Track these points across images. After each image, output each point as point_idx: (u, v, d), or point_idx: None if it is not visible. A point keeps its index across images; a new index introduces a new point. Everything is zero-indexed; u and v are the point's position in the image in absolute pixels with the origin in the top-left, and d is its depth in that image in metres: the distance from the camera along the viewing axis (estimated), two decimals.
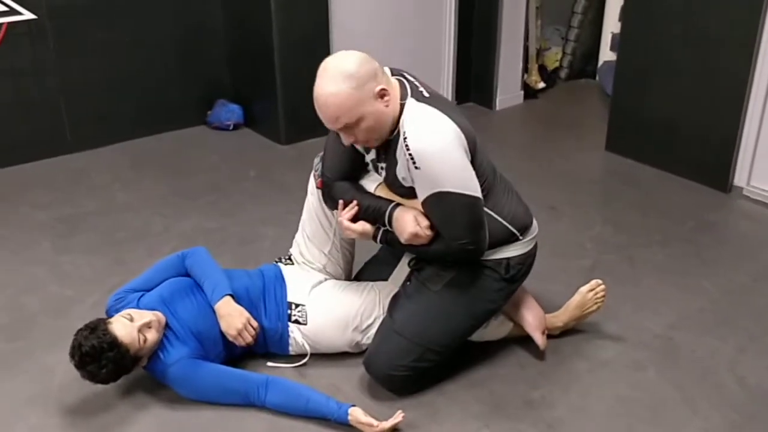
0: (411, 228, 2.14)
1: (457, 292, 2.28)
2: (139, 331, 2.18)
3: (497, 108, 4.82)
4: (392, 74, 2.16)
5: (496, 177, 2.32)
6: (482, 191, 2.15)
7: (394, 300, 2.37)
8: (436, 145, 2.04)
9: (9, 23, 3.71)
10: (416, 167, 2.03)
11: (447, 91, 4.85)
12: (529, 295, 2.52)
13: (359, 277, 2.62)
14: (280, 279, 2.48)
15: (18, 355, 2.50)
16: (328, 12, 4.12)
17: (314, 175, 2.43)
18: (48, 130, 4.02)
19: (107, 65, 4.10)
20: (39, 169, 3.93)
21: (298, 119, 4.17)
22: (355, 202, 2.26)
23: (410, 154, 2.02)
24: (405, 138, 2.04)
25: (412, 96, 2.11)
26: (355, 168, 2.32)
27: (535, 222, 2.39)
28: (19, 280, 2.92)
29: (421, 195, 2.10)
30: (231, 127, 4.46)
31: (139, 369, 2.28)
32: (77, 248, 3.14)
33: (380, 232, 2.26)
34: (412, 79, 2.19)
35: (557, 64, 5.39)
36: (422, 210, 2.15)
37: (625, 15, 4.02)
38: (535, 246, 2.39)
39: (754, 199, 3.56)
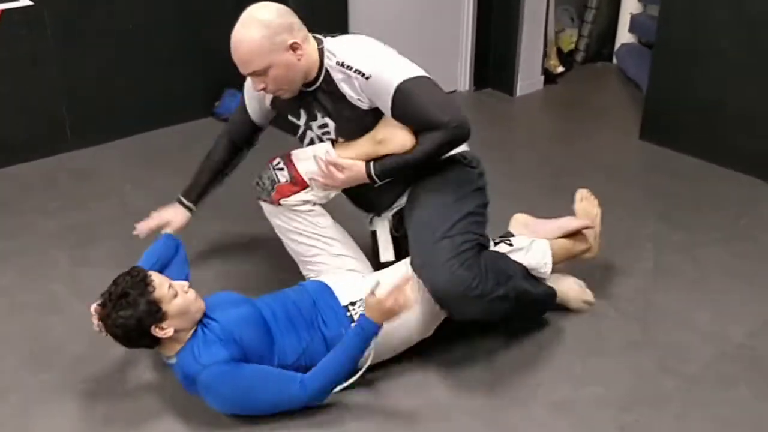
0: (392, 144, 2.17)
1: (446, 188, 2.27)
2: (170, 286, 2.03)
3: (518, 94, 4.60)
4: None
5: None
6: None
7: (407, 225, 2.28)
8: (368, 48, 2.21)
9: (3, 11, 3.39)
10: (366, 77, 2.12)
11: (465, 77, 4.63)
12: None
13: None
14: (325, 288, 2.28)
15: (50, 390, 2.25)
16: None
17: (263, 199, 2.36)
18: (47, 125, 3.71)
19: (107, 55, 3.79)
20: (39, 170, 3.63)
21: None
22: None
23: (355, 70, 2.14)
24: (341, 63, 2.16)
25: (327, 37, 2.25)
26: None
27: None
28: (38, 301, 2.65)
29: (386, 103, 2.13)
30: None
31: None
32: (97, 261, 2.87)
33: (371, 165, 2.20)
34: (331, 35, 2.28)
35: (572, 46, 5.18)
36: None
37: None
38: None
39: None
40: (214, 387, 2.00)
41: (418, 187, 2.31)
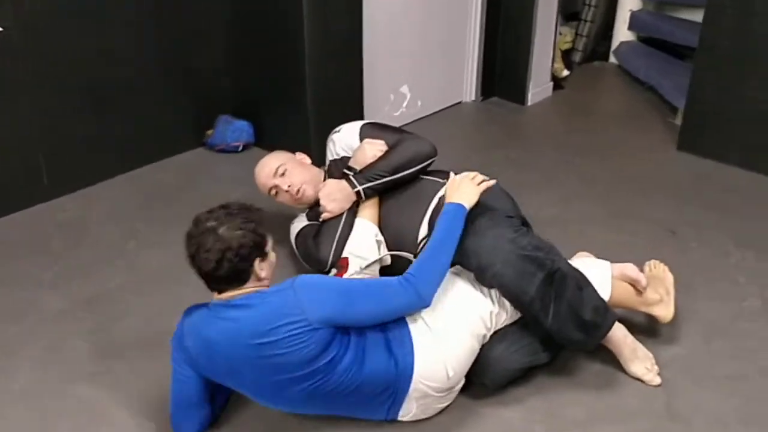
0: (368, 150, 2.49)
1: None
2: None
3: (529, 102, 4.29)
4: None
5: None
6: None
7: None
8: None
9: None
10: (339, 131, 2.70)
11: (471, 87, 4.30)
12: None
13: None
14: None
15: None
16: (361, 8, 3.45)
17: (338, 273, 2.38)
18: (21, 171, 3.14)
19: (84, 85, 3.24)
20: (19, 226, 3.06)
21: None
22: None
23: (334, 141, 2.70)
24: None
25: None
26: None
27: None
28: (71, 409, 2.14)
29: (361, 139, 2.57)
30: (240, 149, 3.70)
31: None
32: (125, 345, 2.38)
33: (354, 179, 2.44)
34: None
35: (568, 46, 4.90)
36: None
37: None
38: None
39: None
40: (313, 282, 1.87)
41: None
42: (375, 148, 2.49)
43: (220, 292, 1.91)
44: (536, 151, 3.74)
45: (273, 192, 2.60)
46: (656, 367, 2.20)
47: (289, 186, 2.55)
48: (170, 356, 1.98)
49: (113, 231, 3.03)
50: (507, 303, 2.05)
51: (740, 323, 2.47)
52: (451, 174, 2.30)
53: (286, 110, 3.57)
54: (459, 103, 4.31)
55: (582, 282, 2.08)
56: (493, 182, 2.19)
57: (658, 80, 4.31)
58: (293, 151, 2.74)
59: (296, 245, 2.61)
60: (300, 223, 2.66)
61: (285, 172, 2.57)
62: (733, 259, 2.84)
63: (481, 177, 2.18)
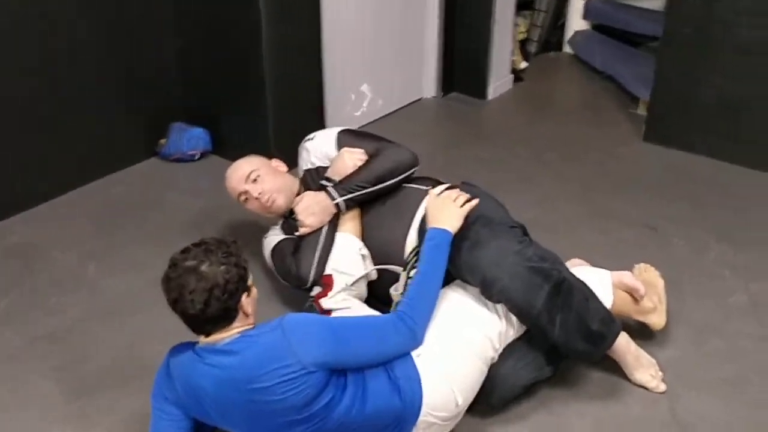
0: (348, 159, 2.35)
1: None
2: None
3: (491, 96, 4.21)
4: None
5: None
6: None
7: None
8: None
9: None
10: (312, 139, 2.53)
11: (431, 83, 4.20)
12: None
13: None
14: None
15: None
16: (319, 7, 3.31)
17: (310, 303, 2.28)
18: None
19: (25, 103, 3.00)
20: None
21: (294, 139, 3.33)
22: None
23: (308, 150, 2.52)
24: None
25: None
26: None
27: None
28: None
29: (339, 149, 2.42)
30: (197, 157, 3.52)
31: None
32: (99, 387, 2.19)
33: (333, 191, 2.31)
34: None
35: (524, 36, 4.84)
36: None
37: None
38: None
39: None
40: (303, 322, 1.76)
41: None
42: (355, 158, 2.36)
43: (207, 335, 1.77)
44: (506, 149, 3.66)
45: (243, 198, 2.44)
46: (660, 374, 2.15)
47: (259, 193, 2.40)
48: (149, 392, 1.84)
49: (69, 254, 2.82)
50: (513, 318, 1.96)
51: (731, 322, 2.44)
52: (430, 191, 2.18)
53: (244, 115, 3.40)
54: (419, 99, 4.21)
55: (587, 292, 2.00)
56: (475, 203, 2.07)
57: (616, 69, 4.29)
58: (270, 158, 2.58)
59: (273, 262, 2.45)
60: (275, 237, 2.50)
61: (257, 178, 2.41)
62: (714, 253, 2.82)
63: (463, 197, 2.06)
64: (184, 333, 1.76)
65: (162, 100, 3.51)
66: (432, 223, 2.01)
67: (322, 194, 2.33)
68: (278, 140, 3.34)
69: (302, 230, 2.33)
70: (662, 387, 2.12)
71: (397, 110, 4.07)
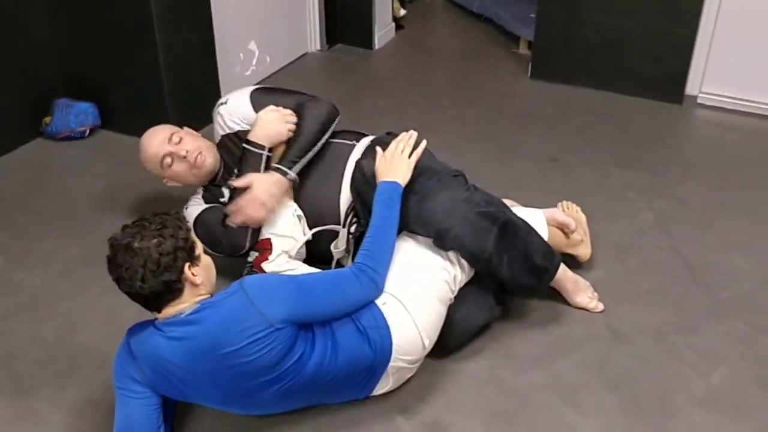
0: (279, 123, 2.27)
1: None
2: None
3: (377, 46, 4.22)
4: None
5: None
6: None
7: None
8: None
9: None
10: (225, 103, 2.41)
11: (315, 37, 4.16)
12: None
13: None
14: None
15: None
16: None
17: (249, 269, 2.24)
18: None
19: None
20: None
21: (192, 104, 3.23)
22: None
23: (222, 114, 2.41)
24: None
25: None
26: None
27: None
28: None
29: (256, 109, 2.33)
30: (86, 134, 3.32)
31: None
32: (39, 384, 2.07)
33: (284, 168, 2.24)
34: None
35: None
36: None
37: None
38: None
39: (711, 107, 3.53)
40: (265, 281, 1.81)
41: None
42: (290, 120, 2.29)
43: (160, 311, 1.72)
44: (402, 98, 3.70)
45: (167, 161, 2.31)
46: (596, 294, 2.30)
47: (187, 151, 2.30)
48: (95, 378, 1.76)
49: None
50: (465, 263, 2.02)
51: (643, 238, 2.64)
52: (378, 151, 2.14)
53: (133, 85, 3.24)
54: (305, 54, 4.16)
55: (529, 230, 2.10)
56: (422, 148, 2.11)
57: (493, 11, 4.41)
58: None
59: (198, 234, 2.37)
60: (197, 206, 2.41)
61: (180, 140, 2.33)
62: (615, 177, 3.01)
63: (408, 148, 2.09)
64: (115, 317, 1.70)
65: (41, 76, 3.27)
66: (381, 177, 2.03)
67: (274, 175, 2.23)
68: (175, 107, 3.21)
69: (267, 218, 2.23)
70: (600, 306, 2.28)
71: (285, 66, 4.01)
